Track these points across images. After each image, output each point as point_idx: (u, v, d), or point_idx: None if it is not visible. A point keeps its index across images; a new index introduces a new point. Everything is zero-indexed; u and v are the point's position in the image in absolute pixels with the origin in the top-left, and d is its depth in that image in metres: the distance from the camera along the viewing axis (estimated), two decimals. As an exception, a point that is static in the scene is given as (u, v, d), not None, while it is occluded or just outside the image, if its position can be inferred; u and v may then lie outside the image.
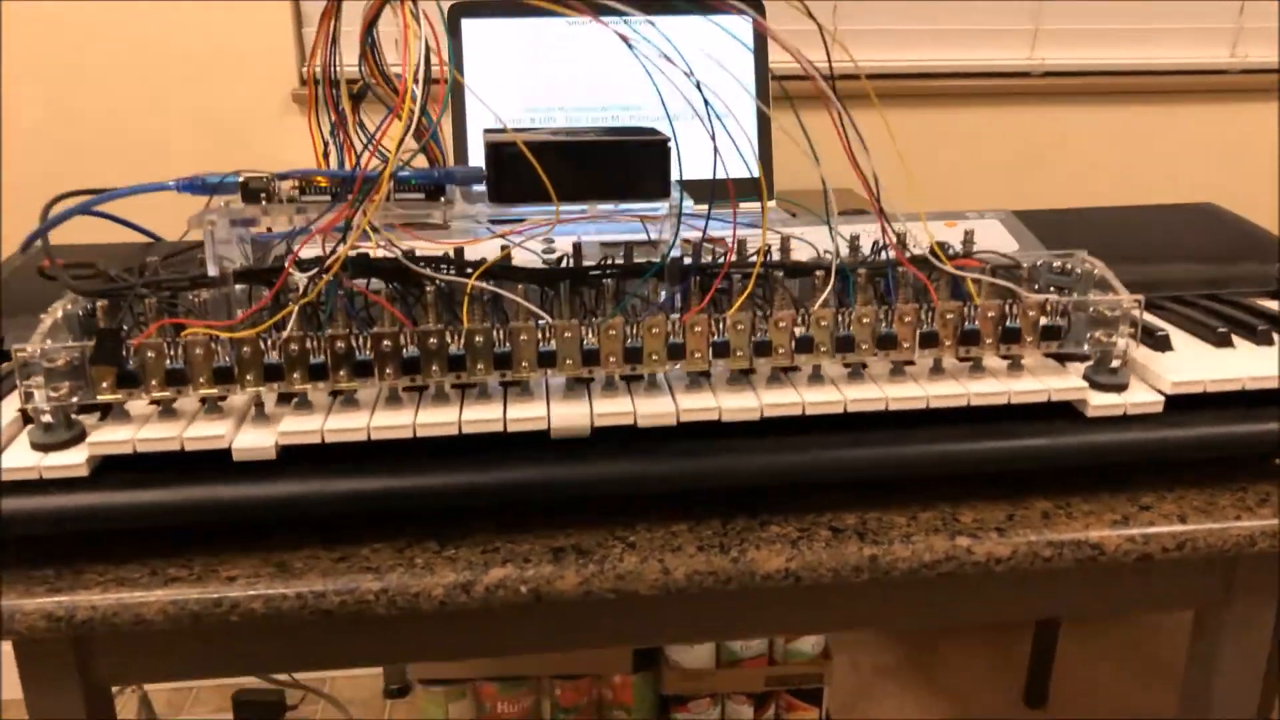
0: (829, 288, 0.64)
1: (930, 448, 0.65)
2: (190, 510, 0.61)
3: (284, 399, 0.64)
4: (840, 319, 0.64)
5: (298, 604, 0.61)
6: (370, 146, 0.60)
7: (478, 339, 0.62)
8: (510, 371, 0.63)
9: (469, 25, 1.24)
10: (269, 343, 0.60)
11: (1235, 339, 0.75)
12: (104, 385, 0.61)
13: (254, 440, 0.61)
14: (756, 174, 0.63)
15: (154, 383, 0.61)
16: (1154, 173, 1.78)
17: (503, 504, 0.65)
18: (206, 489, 0.61)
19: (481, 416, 0.62)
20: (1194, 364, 0.69)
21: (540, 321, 0.62)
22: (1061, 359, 0.69)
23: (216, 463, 0.61)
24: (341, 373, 0.62)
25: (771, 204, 1.02)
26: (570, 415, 0.62)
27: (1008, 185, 1.73)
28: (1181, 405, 0.68)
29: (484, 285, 0.61)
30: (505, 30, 1.22)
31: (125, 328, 0.61)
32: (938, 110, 1.67)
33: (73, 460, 0.60)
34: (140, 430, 0.61)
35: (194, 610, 0.60)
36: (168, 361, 0.60)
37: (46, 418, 0.61)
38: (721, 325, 0.63)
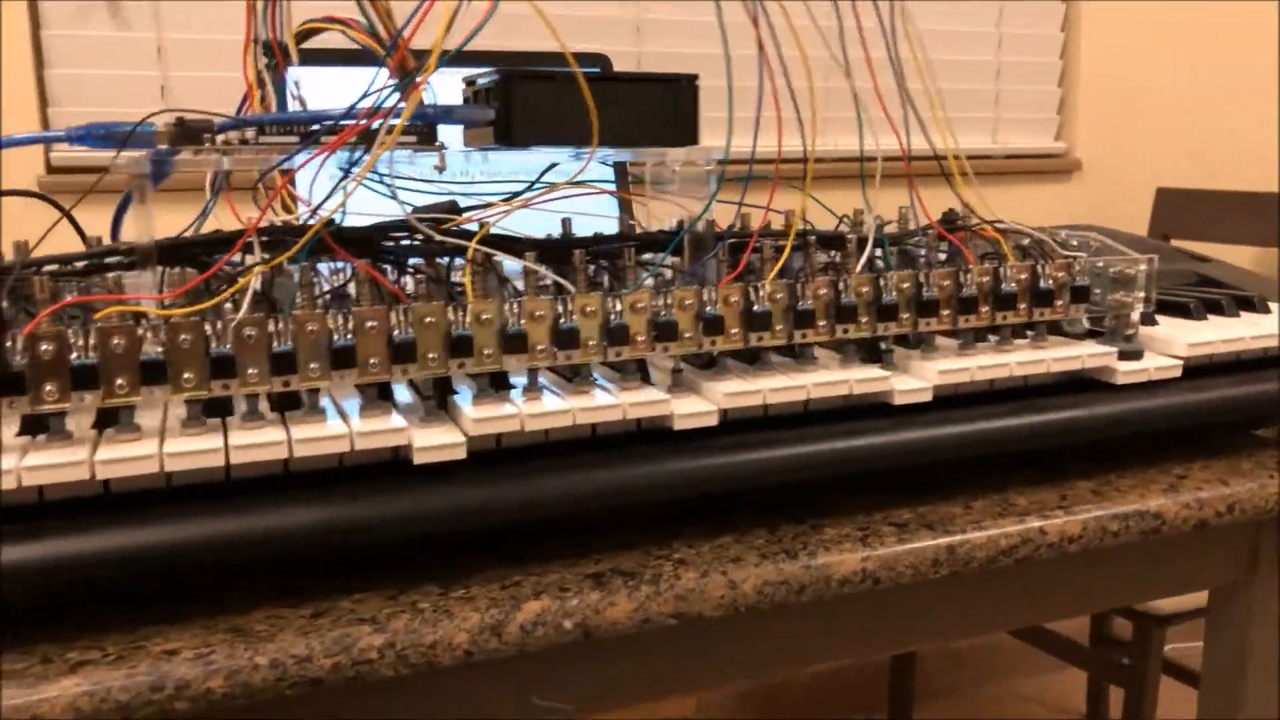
0: (865, 253, 0.58)
1: (982, 425, 0.59)
2: (94, 564, 0.44)
3: (213, 407, 0.48)
4: (881, 284, 0.57)
5: (273, 675, 0.45)
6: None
7: (485, 315, 0.50)
8: (526, 356, 0.51)
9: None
10: (217, 327, 0.46)
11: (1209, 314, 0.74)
12: (-26, 395, 0.43)
13: (197, 460, 0.45)
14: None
15: (48, 388, 0.44)
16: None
17: (506, 529, 0.52)
18: (116, 534, 0.45)
19: (491, 414, 0.50)
20: (1193, 332, 0.68)
21: (559, 295, 0.51)
22: (1057, 334, 0.66)
23: (112, 500, 0.46)
24: (313, 366, 0.48)
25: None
26: (605, 410, 0.51)
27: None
28: (1192, 373, 0.66)
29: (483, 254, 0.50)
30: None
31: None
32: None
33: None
34: (29, 457, 0.44)
35: (120, 701, 0.43)
36: (75, 356, 0.44)
37: (-122, 450, 0.43)
38: (758, 294, 0.55)
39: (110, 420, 0.48)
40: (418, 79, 0.45)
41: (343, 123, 0.45)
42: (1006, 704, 1.96)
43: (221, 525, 0.46)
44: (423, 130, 0.48)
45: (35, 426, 0.47)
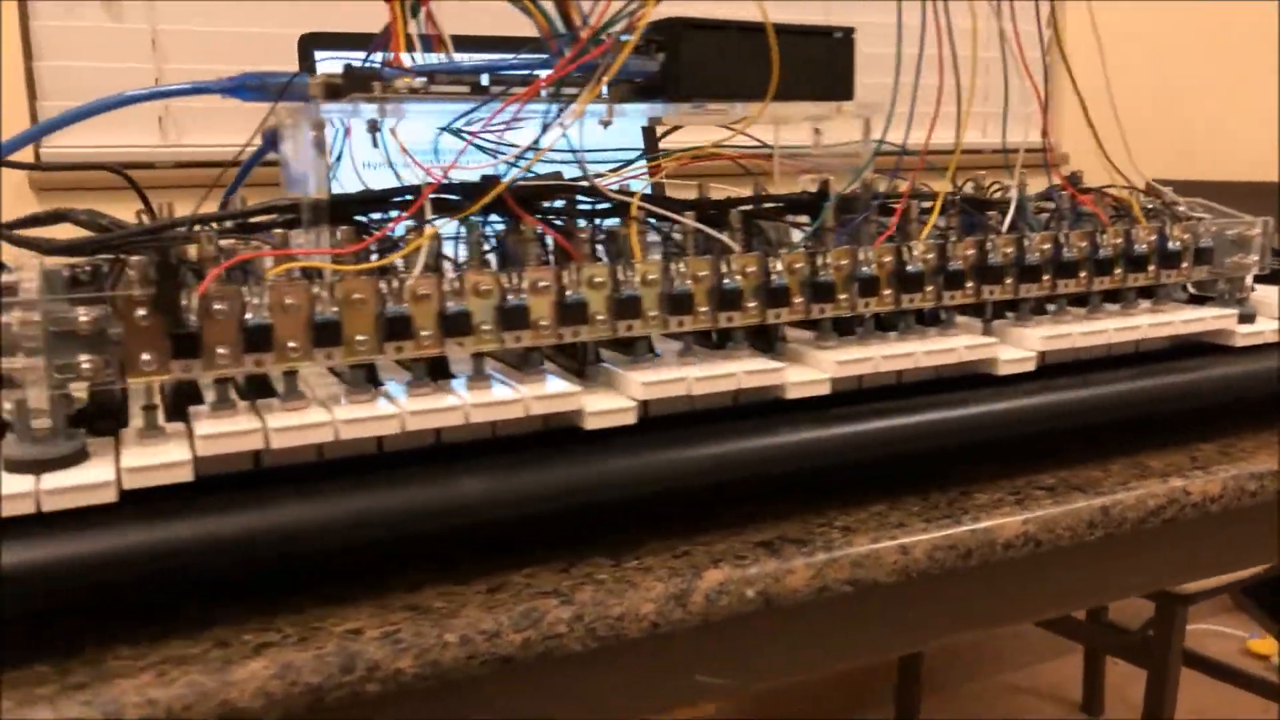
0: (1009, 216, 0.57)
1: (1114, 389, 0.59)
2: (286, 538, 0.41)
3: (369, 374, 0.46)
4: (1025, 243, 0.56)
5: (463, 653, 0.42)
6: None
7: (650, 276, 0.48)
8: (689, 318, 0.49)
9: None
10: (393, 287, 0.43)
11: None
12: (145, 359, 0.40)
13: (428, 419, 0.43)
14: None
15: (221, 351, 0.41)
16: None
17: (672, 498, 0.50)
18: (285, 509, 0.42)
19: (657, 378, 0.47)
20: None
21: (724, 255, 0.49)
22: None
23: (261, 475, 0.43)
24: (485, 328, 0.45)
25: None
26: (761, 375, 0.49)
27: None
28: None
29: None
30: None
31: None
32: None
33: (96, 478, 0.39)
34: (276, 419, 0.41)
35: (311, 684, 0.40)
36: (248, 316, 0.41)
37: (42, 422, 0.40)
38: (909, 254, 0.54)
39: (257, 389, 0.45)
40: (603, 36, 0.43)
41: (516, 74, 0.43)
42: (1007, 697, 1.97)
43: (387, 499, 0.43)
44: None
45: (189, 396, 0.44)
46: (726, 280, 0.49)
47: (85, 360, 0.39)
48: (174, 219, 0.44)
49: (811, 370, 0.51)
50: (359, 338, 0.43)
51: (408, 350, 0.44)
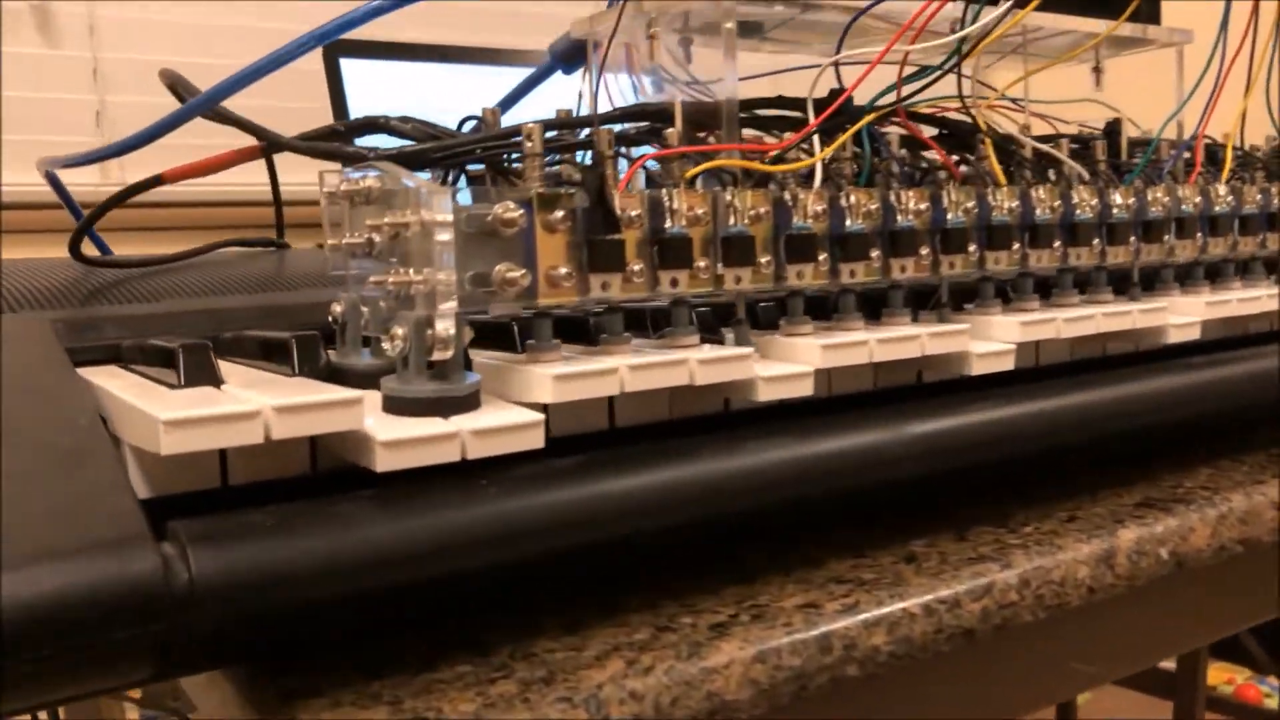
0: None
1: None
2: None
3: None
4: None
5: (930, 626, 0.35)
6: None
7: (1011, 205, 0.43)
8: (1042, 251, 0.44)
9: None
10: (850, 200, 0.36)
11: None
12: (563, 273, 0.32)
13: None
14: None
15: (635, 268, 0.34)
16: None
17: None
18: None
19: (1034, 319, 0.42)
20: None
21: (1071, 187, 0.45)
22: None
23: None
24: (874, 254, 0.39)
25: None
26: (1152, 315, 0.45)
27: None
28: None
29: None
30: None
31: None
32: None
33: (524, 419, 0.31)
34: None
35: (793, 669, 0.32)
36: (668, 225, 0.34)
37: (443, 354, 0.31)
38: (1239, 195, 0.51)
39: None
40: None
41: None
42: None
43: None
44: None
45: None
46: (1079, 213, 0.45)
47: (507, 270, 0.31)
48: (516, 125, 0.36)
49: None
50: (763, 259, 0.36)
51: (807, 276, 0.37)
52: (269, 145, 0.36)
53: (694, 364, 0.33)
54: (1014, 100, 0.48)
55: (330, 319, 0.35)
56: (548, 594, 0.33)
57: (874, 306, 0.42)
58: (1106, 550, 0.39)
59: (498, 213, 0.31)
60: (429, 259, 0.30)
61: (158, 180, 0.39)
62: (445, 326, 0.30)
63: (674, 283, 0.34)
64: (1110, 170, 0.47)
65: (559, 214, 0.32)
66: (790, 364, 0.35)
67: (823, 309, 0.40)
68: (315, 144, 0.36)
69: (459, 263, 0.30)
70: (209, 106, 0.36)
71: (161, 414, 0.26)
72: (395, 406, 0.30)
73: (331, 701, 0.28)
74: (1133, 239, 0.47)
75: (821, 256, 0.37)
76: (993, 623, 0.36)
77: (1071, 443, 0.43)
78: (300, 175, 0.47)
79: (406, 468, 0.28)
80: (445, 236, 0.30)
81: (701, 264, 0.35)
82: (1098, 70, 0.52)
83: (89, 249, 0.46)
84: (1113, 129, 0.51)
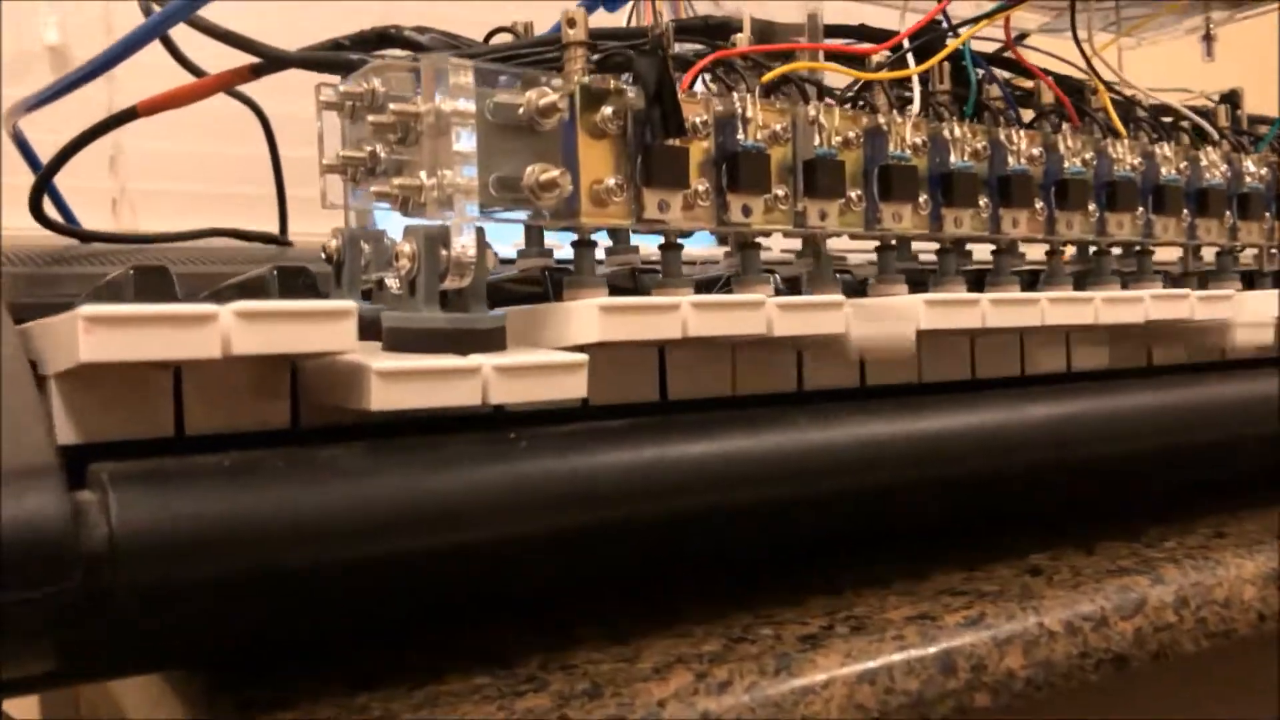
0: None
1: None
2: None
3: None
4: None
5: (1074, 648, 0.28)
6: None
7: (1132, 162, 0.37)
8: (1169, 220, 0.38)
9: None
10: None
11: None
12: (610, 186, 0.26)
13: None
14: None
15: (699, 189, 0.27)
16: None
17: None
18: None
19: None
20: None
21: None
22: None
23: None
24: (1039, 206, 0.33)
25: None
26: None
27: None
28: None
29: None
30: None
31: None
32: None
33: (570, 360, 0.24)
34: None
35: (910, 693, 0.25)
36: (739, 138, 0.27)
37: (461, 279, 0.25)
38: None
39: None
40: None
41: None
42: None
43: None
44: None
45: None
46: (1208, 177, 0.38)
47: (542, 170, 0.25)
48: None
49: None
50: (853, 193, 0.30)
51: (905, 220, 0.31)
52: (263, 63, 0.30)
53: (772, 309, 0.27)
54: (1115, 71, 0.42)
55: (324, 255, 0.28)
56: (584, 590, 0.26)
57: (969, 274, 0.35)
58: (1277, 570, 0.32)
59: (532, 98, 0.24)
60: (445, 158, 0.24)
61: (132, 113, 0.33)
62: (464, 242, 0.24)
63: (746, 210, 0.28)
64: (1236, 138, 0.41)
65: (608, 111, 0.26)
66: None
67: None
68: (316, 53, 0.30)
69: (482, 162, 0.24)
70: (189, 13, 0.30)
71: (83, 310, 0.19)
72: (400, 340, 0.24)
73: (303, 716, 0.21)
74: (1267, 215, 0.40)
75: (922, 198, 0.31)
76: (1149, 649, 0.28)
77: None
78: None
79: (411, 408, 0.22)
80: (465, 127, 0.24)
81: (780, 192, 0.28)
82: (1208, 38, 0.46)
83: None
84: (1230, 98, 0.44)
